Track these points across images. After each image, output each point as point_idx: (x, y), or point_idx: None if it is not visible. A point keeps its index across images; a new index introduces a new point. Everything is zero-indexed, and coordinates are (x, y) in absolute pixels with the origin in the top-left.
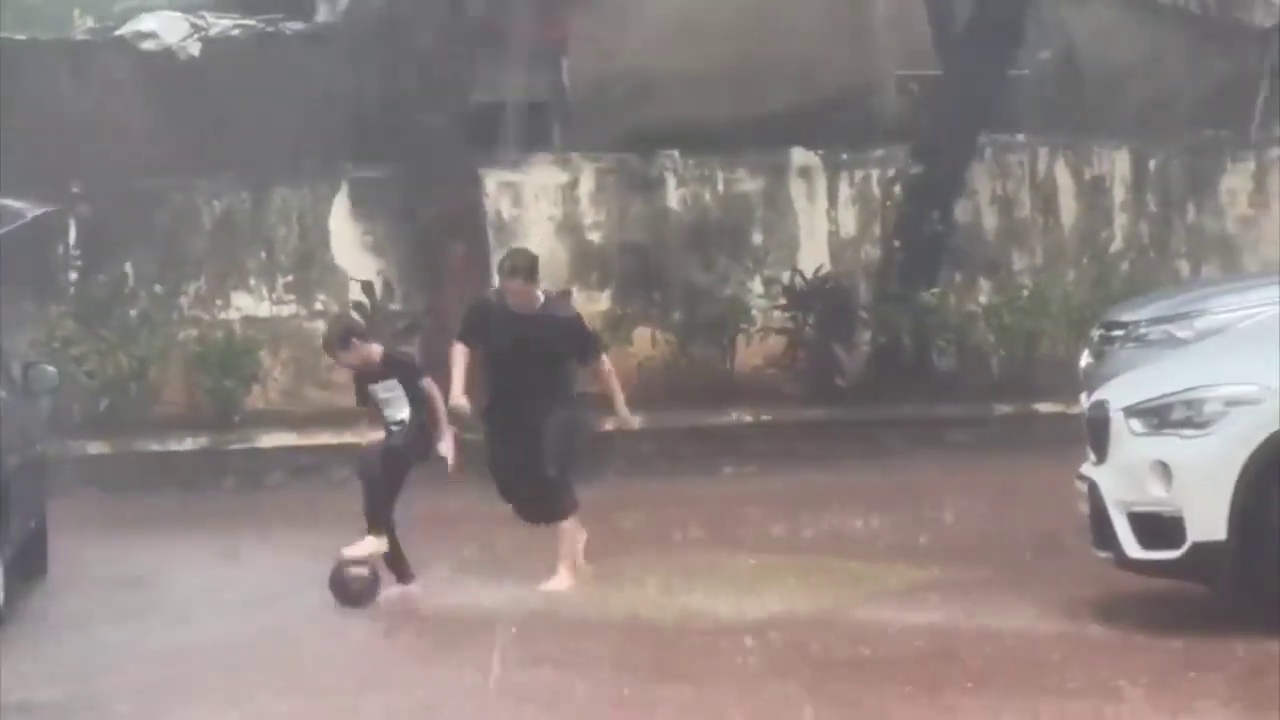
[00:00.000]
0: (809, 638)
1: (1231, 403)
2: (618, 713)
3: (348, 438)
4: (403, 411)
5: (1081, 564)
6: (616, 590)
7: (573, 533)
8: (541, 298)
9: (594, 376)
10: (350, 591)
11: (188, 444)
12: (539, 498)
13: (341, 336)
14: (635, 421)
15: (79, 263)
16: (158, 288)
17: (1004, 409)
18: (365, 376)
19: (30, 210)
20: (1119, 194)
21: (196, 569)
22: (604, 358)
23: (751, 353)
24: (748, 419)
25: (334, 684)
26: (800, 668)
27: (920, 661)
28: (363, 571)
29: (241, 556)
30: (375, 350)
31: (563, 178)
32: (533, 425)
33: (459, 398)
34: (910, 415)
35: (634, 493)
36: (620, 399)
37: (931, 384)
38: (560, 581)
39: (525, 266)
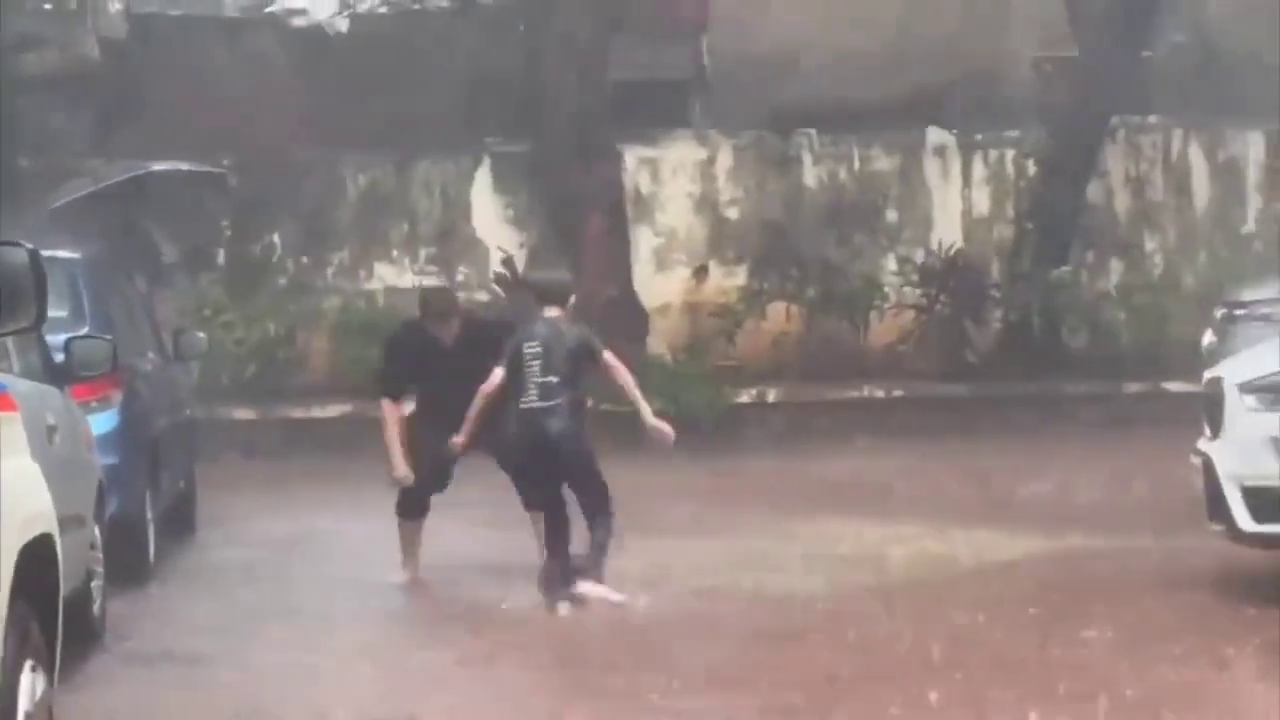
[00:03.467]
0: (929, 602)
1: None
2: (746, 663)
3: None
4: None
5: (1198, 537)
6: (746, 559)
7: None
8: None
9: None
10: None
11: (331, 410)
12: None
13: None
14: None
15: (229, 233)
16: (304, 258)
17: (1134, 387)
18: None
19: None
20: (1252, 175)
21: (338, 531)
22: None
23: (884, 328)
24: (880, 393)
25: (478, 646)
26: (915, 629)
27: (1033, 625)
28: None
29: (383, 520)
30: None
31: (701, 154)
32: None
33: None
34: (1040, 392)
35: (764, 464)
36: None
37: (1062, 362)
38: None
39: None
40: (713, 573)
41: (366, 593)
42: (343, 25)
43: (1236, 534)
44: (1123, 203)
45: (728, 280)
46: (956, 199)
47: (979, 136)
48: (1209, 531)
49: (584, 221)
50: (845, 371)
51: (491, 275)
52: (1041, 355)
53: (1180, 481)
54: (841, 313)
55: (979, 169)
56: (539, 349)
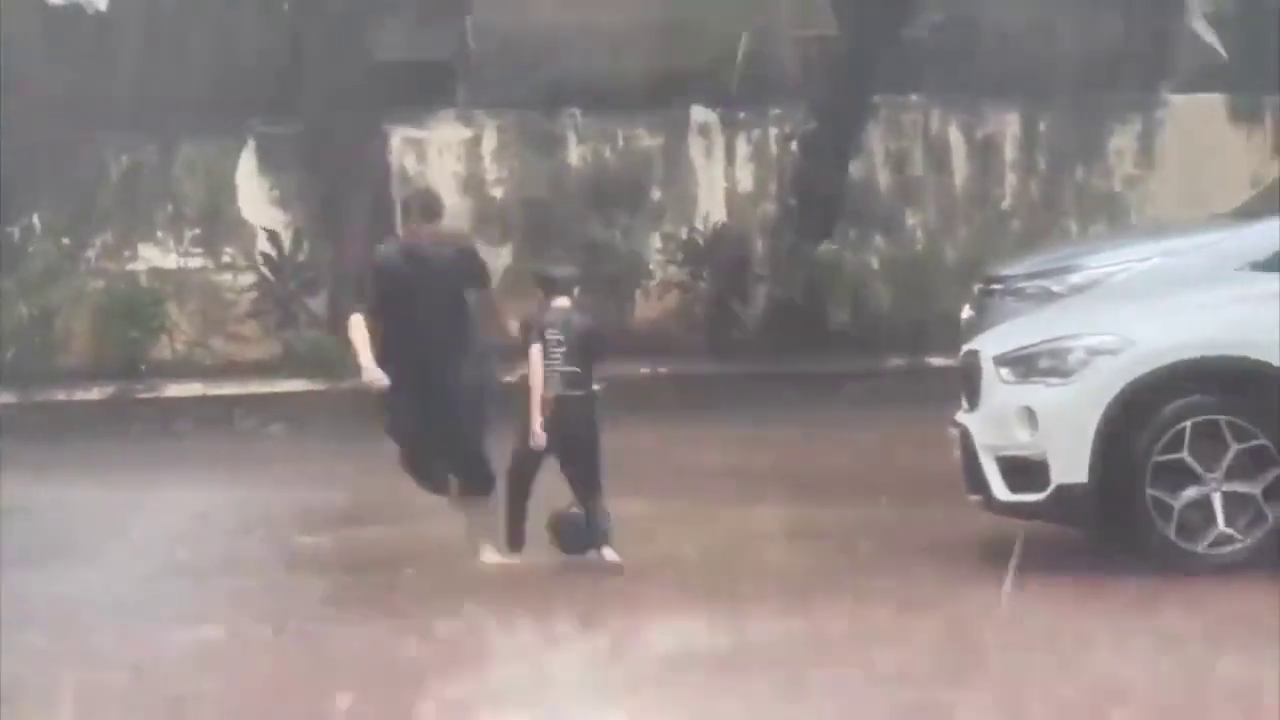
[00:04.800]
0: (692, 576)
1: (1093, 352)
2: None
3: (253, 388)
4: None
5: (957, 508)
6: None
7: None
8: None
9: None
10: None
11: (94, 393)
12: (466, 470)
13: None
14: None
15: None
16: (64, 239)
17: (896, 362)
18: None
19: None
20: (1010, 153)
21: (101, 513)
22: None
23: (650, 307)
24: (644, 370)
25: (231, 621)
26: (678, 604)
27: (799, 595)
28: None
29: (146, 502)
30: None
31: (466, 134)
32: (444, 385)
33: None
34: (805, 369)
35: None
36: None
37: (826, 338)
38: (493, 554)
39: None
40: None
41: (126, 574)
42: (102, 3)
43: (993, 504)
44: (885, 180)
45: (493, 260)
46: (720, 177)
47: (742, 115)
48: (968, 503)
49: (349, 202)
50: (610, 349)
51: (258, 256)
52: (806, 331)
53: (940, 454)
54: (607, 291)
55: (742, 147)
56: (560, 337)
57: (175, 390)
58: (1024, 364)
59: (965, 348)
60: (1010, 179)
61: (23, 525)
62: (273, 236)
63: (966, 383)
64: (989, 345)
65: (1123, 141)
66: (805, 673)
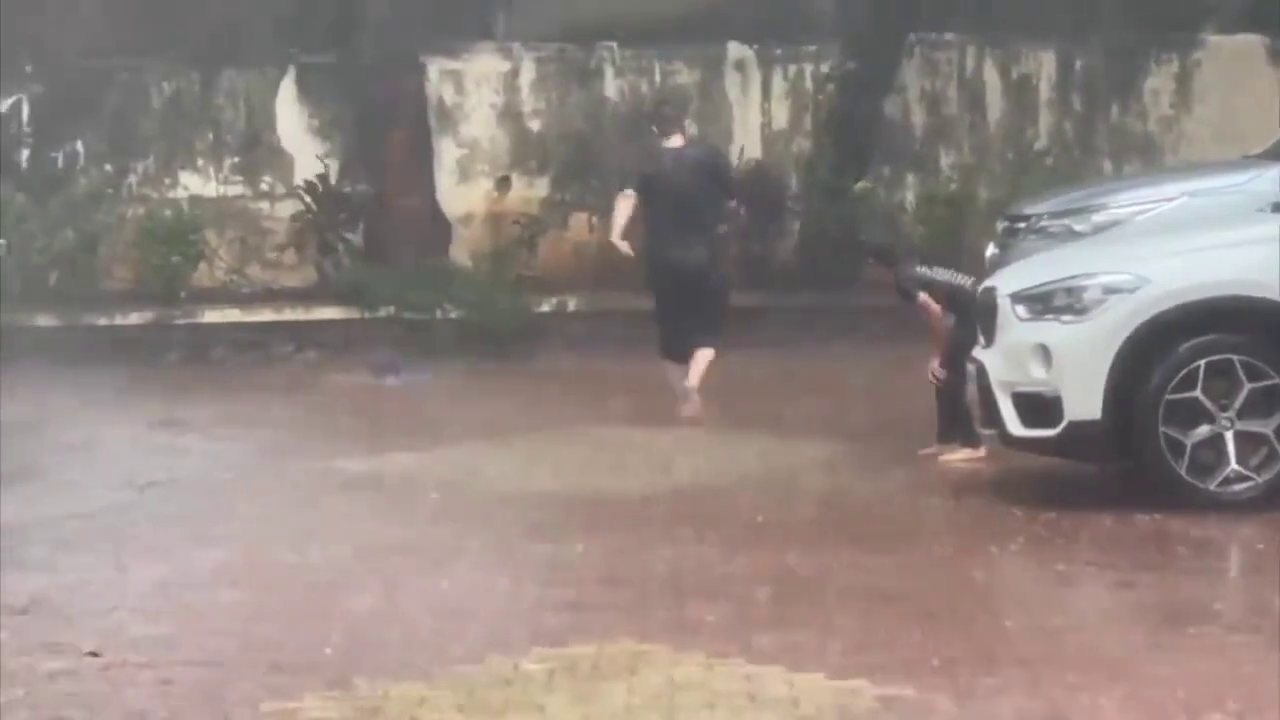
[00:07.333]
0: (710, 506)
1: (1109, 291)
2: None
3: (288, 315)
4: None
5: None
6: (539, 463)
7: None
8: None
9: None
10: None
11: (134, 318)
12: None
13: None
14: None
15: (31, 140)
16: (107, 166)
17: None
18: None
19: None
20: (1045, 93)
21: (138, 435)
22: None
23: None
24: None
25: (259, 538)
26: (698, 532)
27: (812, 526)
28: None
29: (181, 425)
30: None
31: (504, 66)
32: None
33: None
34: (835, 303)
35: (565, 370)
36: None
37: (856, 273)
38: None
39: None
40: (517, 475)
41: (159, 495)
42: None
43: (1007, 439)
44: (919, 118)
45: (530, 191)
46: (756, 113)
47: (779, 51)
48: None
49: (387, 132)
50: (644, 281)
51: (299, 183)
52: (838, 267)
53: None
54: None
55: (778, 83)
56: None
57: (212, 316)
58: (1040, 301)
59: (983, 285)
60: (1045, 118)
61: (56, 444)
62: (321, 177)
63: (983, 319)
64: (1006, 282)
65: (1159, 82)
66: None
